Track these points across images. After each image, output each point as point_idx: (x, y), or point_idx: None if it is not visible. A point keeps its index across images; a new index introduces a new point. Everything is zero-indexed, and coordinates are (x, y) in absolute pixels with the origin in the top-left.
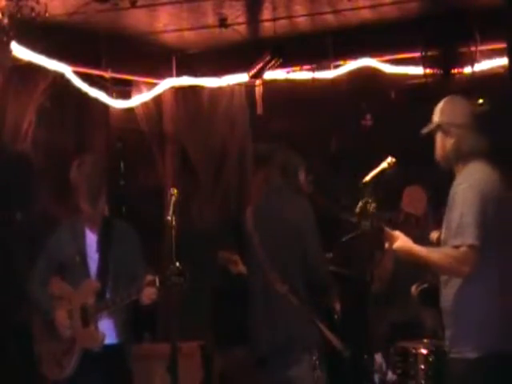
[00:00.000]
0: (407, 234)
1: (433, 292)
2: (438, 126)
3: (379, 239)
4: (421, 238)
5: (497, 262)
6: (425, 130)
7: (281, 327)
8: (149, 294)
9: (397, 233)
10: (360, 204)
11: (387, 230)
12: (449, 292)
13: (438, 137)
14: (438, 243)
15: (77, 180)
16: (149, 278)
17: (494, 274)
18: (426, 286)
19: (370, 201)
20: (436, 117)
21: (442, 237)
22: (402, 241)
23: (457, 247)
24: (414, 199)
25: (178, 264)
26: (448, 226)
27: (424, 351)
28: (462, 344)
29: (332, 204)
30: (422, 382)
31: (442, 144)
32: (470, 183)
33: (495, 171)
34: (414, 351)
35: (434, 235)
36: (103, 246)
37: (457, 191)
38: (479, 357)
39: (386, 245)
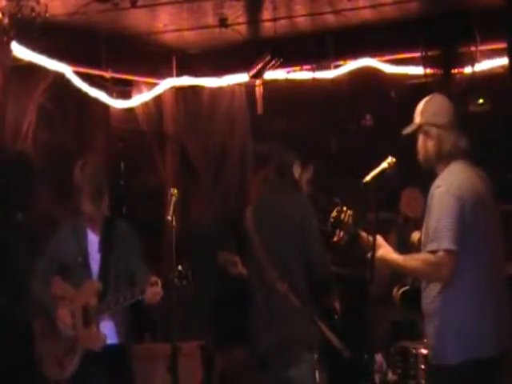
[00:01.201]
0: (406, 236)
1: (414, 294)
2: (419, 127)
3: (357, 247)
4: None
5: (475, 265)
6: (406, 131)
7: (281, 327)
8: (154, 295)
9: (379, 240)
10: (334, 213)
11: (368, 238)
12: (428, 295)
13: (420, 138)
14: (419, 244)
15: (80, 181)
16: (153, 279)
17: (472, 278)
18: (407, 288)
19: (344, 209)
20: (417, 117)
21: (422, 239)
22: (382, 250)
23: (433, 252)
24: (411, 201)
25: (180, 267)
26: (426, 229)
27: (424, 351)
28: (442, 350)
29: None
30: (423, 381)
31: (424, 145)
32: (447, 187)
33: (477, 172)
34: (414, 351)
35: (415, 236)
36: (105, 247)
37: (434, 194)
38: (459, 363)
39: (369, 254)
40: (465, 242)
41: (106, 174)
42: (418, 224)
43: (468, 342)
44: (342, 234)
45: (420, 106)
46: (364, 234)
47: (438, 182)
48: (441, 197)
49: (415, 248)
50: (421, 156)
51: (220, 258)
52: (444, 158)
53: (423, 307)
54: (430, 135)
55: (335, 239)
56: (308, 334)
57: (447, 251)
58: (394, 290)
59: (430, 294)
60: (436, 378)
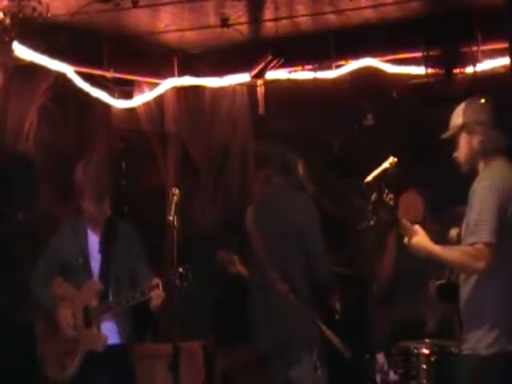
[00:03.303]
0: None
1: (450, 288)
2: (462, 127)
3: (388, 231)
4: None
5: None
6: (447, 134)
7: (281, 327)
8: (157, 298)
9: (416, 227)
10: (376, 194)
11: (407, 223)
12: (467, 290)
13: (462, 138)
14: (458, 240)
15: (82, 181)
16: (154, 281)
17: (508, 272)
18: (443, 281)
19: (386, 191)
20: (458, 119)
21: (462, 233)
22: (419, 236)
23: (472, 244)
24: (410, 207)
25: (180, 269)
26: (467, 223)
27: (426, 351)
28: (475, 341)
29: (334, 204)
30: (424, 382)
31: (467, 144)
32: (489, 182)
33: None
34: (415, 351)
35: (453, 232)
36: (105, 247)
37: (476, 189)
38: (492, 354)
39: (405, 239)
40: (504, 237)
41: (108, 175)
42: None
43: (502, 334)
44: (383, 215)
45: (460, 108)
46: (408, 224)
47: (480, 178)
48: (483, 191)
49: (453, 244)
50: (463, 156)
51: (218, 257)
52: (487, 155)
53: (461, 300)
54: (475, 132)
55: (372, 222)
56: (308, 334)
57: (487, 244)
58: (430, 284)
59: (468, 287)
60: (465, 367)
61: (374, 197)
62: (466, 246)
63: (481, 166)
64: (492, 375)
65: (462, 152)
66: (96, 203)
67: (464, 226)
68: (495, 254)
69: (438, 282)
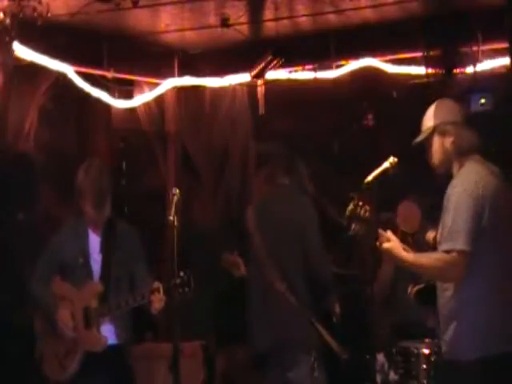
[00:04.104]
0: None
1: (429, 292)
2: (434, 129)
3: (371, 243)
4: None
5: (491, 264)
6: (419, 139)
7: (279, 328)
8: (158, 302)
9: (389, 234)
10: (350, 207)
11: (380, 231)
12: (445, 295)
13: (435, 140)
14: (434, 243)
15: (83, 185)
16: (155, 285)
17: (488, 277)
18: (422, 286)
19: (360, 204)
20: (429, 121)
21: (438, 238)
22: (391, 243)
23: (447, 252)
24: (407, 217)
25: (182, 274)
26: (442, 229)
27: (426, 351)
28: (455, 347)
29: (333, 205)
30: (424, 381)
31: (440, 145)
32: (464, 187)
33: (493, 169)
34: (415, 351)
35: (429, 235)
36: (106, 248)
37: (451, 194)
38: (472, 360)
39: (377, 244)
40: (482, 241)
41: (108, 179)
42: (416, 238)
43: (482, 340)
44: (357, 227)
45: (430, 110)
46: (381, 230)
47: (455, 181)
48: (458, 197)
49: (430, 247)
50: (437, 159)
51: (223, 261)
52: (462, 155)
53: (439, 306)
54: (447, 133)
55: (350, 233)
56: (306, 336)
57: (461, 252)
58: (409, 288)
59: (446, 293)
60: (447, 374)
61: (348, 210)
62: (440, 254)
63: (455, 167)
64: (472, 382)
65: (435, 154)
66: (96, 207)
67: (439, 230)
68: (472, 261)
69: (417, 287)
